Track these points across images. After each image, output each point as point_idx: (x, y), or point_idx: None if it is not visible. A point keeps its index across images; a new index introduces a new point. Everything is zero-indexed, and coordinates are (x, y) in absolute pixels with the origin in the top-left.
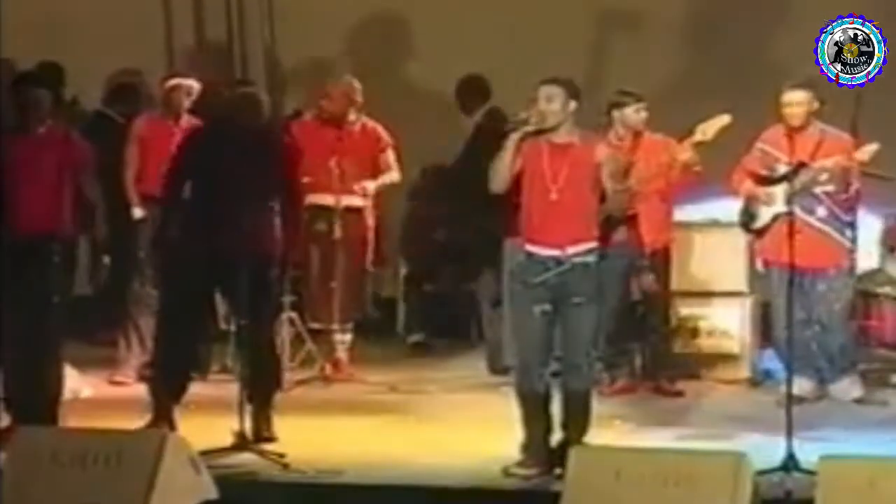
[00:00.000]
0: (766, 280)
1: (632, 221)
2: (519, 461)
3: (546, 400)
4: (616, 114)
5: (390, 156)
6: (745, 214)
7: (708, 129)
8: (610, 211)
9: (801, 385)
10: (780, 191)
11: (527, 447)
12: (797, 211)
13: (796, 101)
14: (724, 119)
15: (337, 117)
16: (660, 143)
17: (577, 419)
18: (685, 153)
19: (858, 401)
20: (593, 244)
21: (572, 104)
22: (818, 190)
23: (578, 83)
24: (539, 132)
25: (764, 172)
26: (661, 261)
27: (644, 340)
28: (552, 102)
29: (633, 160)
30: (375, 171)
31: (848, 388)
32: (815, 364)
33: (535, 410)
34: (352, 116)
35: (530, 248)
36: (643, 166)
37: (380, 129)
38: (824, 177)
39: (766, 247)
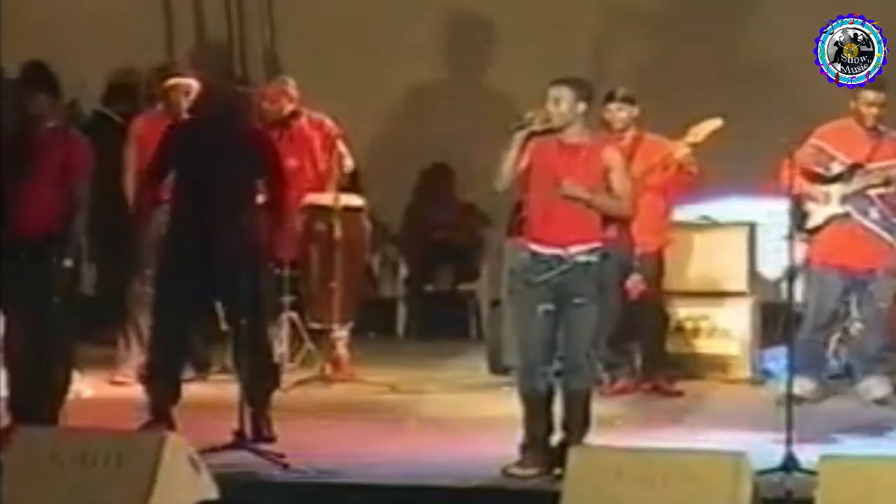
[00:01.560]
0: (814, 281)
1: (624, 221)
2: (518, 461)
3: (549, 400)
4: (603, 111)
5: (341, 145)
6: (795, 213)
7: (700, 132)
8: (625, 214)
9: (803, 385)
10: (834, 191)
11: (526, 447)
12: (852, 212)
13: (878, 101)
14: (716, 123)
15: (279, 118)
16: (657, 143)
17: (578, 420)
18: (680, 151)
19: (879, 401)
20: (596, 244)
21: (581, 105)
22: (872, 191)
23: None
24: (548, 131)
25: (818, 170)
26: (655, 262)
27: (642, 340)
28: (559, 104)
29: (630, 160)
30: (332, 162)
31: (874, 386)
32: (822, 363)
33: (536, 411)
34: (292, 111)
35: (534, 246)
36: (637, 166)
37: (326, 121)
38: (879, 180)
39: (818, 248)
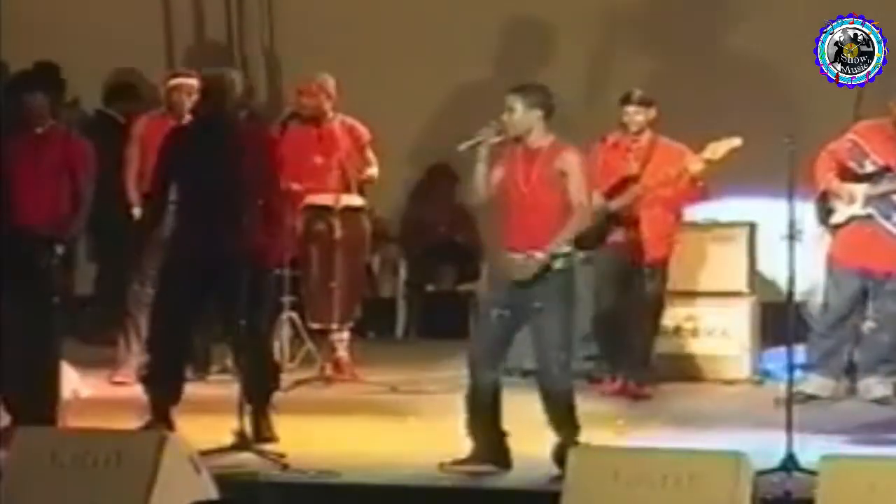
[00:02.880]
0: (833, 279)
1: (634, 226)
2: (464, 458)
3: (489, 398)
4: (621, 113)
5: (369, 152)
6: (822, 209)
7: (719, 149)
8: (585, 226)
9: (817, 383)
10: (860, 191)
11: (471, 442)
12: (875, 214)
13: None
14: (735, 142)
15: (316, 115)
16: (674, 152)
17: (562, 421)
18: (696, 165)
19: (878, 401)
20: (561, 250)
21: (535, 112)
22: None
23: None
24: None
25: (851, 164)
26: (661, 268)
27: (637, 342)
28: (513, 112)
29: (644, 164)
30: (360, 166)
31: (874, 386)
32: (838, 363)
33: (474, 407)
34: (329, 113)
35: (504, 251)
36: (651, 173)
37: (358, 126)
38: None
39: (838, 246)
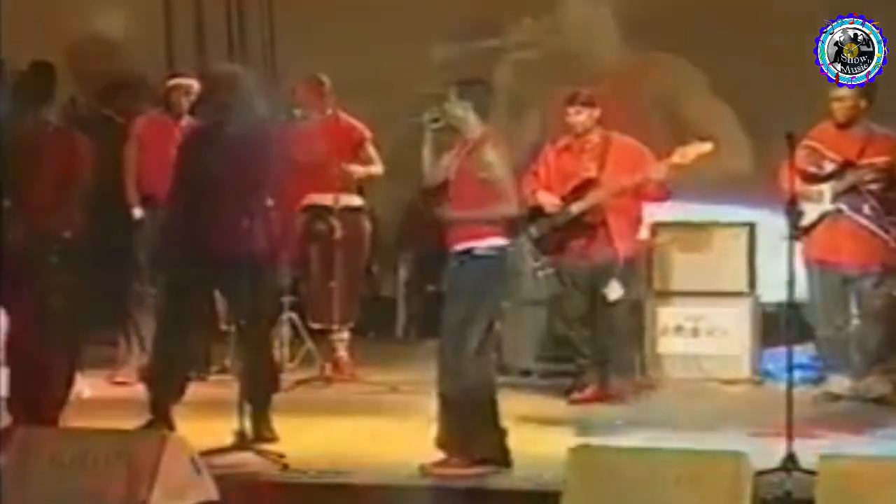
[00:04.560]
0: (815, 279)
1: (597, 228)
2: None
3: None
4: (564, 114)
5: (370, 148)
6: (791, 214)
7: (688, 153)
8: (508, 215)
9: (839, 382)
10: (827, 188)
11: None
12: (844, 209)
13: (840, 96)
14: (706, 146)
15: (309, 113)
16: (632, 150)
17: (470, 420)
18: (660, 174)
19: (878, 400)
20: (467, 245)
21: (466, 103)
22: (864, 188)
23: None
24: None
25: (811, 169)
26: (632, 267)
27: (618, 344)
28: (448, 102)
29: (602, 165)
30: (356, 163)
31: (873, 385)
32: (850, 360)
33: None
34: (328, 111)
35: None
36: (611, 175)
37: (355, 123)
38: (870, 175)
39: (812, 245)
